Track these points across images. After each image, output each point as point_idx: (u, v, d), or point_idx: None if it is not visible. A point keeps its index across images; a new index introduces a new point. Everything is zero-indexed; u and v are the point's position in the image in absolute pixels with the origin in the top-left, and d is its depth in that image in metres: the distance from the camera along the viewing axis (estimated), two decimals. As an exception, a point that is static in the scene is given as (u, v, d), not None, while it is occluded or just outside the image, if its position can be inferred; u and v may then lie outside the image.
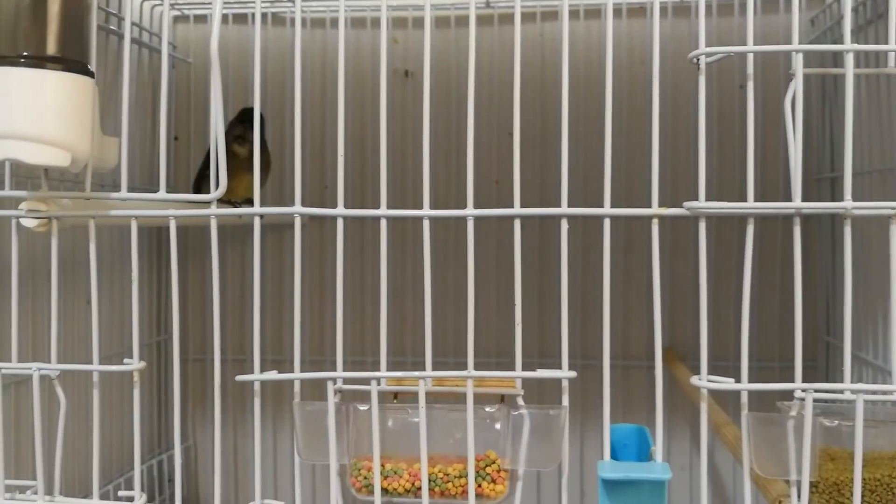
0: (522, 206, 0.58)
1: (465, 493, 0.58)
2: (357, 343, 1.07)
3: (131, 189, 0.61)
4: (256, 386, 0.60)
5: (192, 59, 1.12)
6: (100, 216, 0.60)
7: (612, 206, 0.58)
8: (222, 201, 0.60)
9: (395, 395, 0.62)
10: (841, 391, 0.54)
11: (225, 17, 1.09)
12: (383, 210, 0.58)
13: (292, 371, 0.60)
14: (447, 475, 0.58)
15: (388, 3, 1.06)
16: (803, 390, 0.54)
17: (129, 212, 0.61)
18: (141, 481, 0.62)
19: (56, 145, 0.54)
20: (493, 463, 0.58)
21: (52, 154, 0.54)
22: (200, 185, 1.01)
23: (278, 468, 1.13)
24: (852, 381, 0.55)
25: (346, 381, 0.60)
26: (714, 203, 0.55)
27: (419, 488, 0.58)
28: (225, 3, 1.07)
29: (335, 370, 0.59)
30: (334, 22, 1.09)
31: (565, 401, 0.58)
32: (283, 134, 1.07)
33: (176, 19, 1.13)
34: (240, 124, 0.95)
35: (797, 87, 0.53)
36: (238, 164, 0.80)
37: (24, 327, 0.71)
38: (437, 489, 0.58)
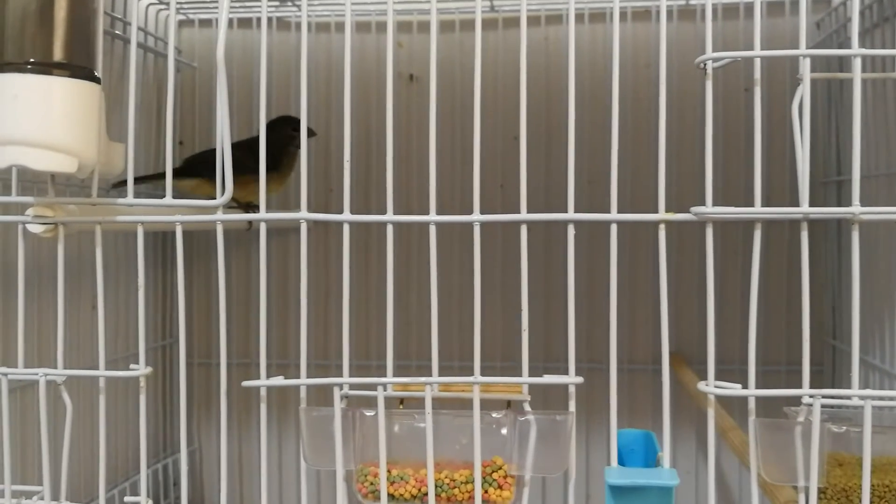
0: (528, 210, 0.58)
1: (471, 498, 0.58)
2: (362, 347, 1.07)
3: (137, 194, 0.61)
4: (262, 391, 0.60)
5: (197, 64, 1.12)
6: (106, 222, 0.60)
7: (619, 210, 0.57)
8: (230, 206, 0.60)
9: (402, 400, 0.61)
10: (849, 397, 0.54)
11: (230, 22, 1.09)
12: (389, 216, 0.58)
13: (297, 374, 0.60)
14: (454, 481, 0.58)
15: (394, 7, 1.06)
16: (811, 396, 0.54)
17: (136, 217, 0.61)
18: (147, 485, 0.62)
19: (62, 151, 0.54)
20: (500, 469, 0.58)
21: (59, 160, 0.54)
22: (190, 169, 0.96)
23: (283, 472, 1.12)
24: (859, 387, 0.54)
25: (353, 386, 0.60)
26: (721, 208, 0.55)
27: (426, 494, 0.58)
28: (230, 7, 1.07)
29: (340, 374, 0.59)
30: (339, 26, 1.09)
31: (572, 406, 0.58)
32: (288, 138, 1.07)
33: (181, 24, 1.13)
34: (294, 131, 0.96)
35: (805, 92, 0.53)
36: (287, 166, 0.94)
37: (30, 333, 0.71)
38: (443, 495, 0.58)
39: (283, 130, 0.96)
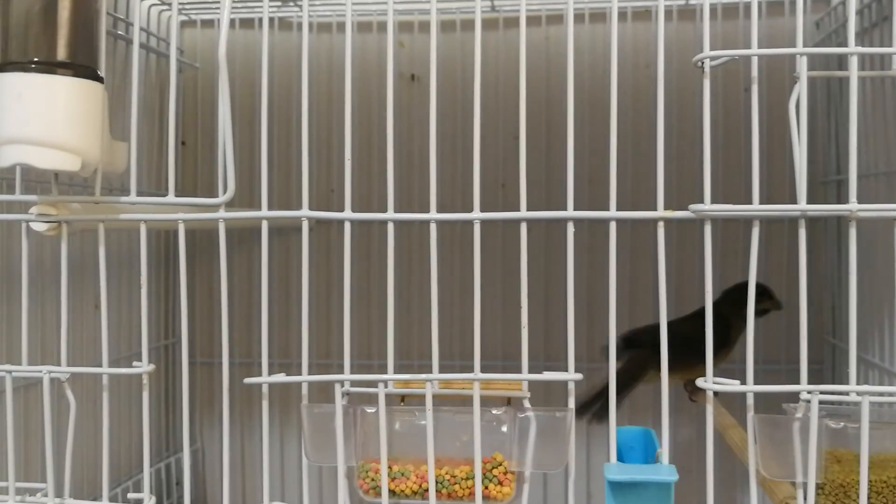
0: (528, 209, 0.58)
1: (471, 494, 0.58)
2: (364, 346, 1.07)
3: (140, 193, 0.62)
4: (264, 388, 0.60)
5: (199, 64, 1.13)
6: (109, 220, 0.61)
7: (618, 208, 0.58)
8: None
9: (403, 397, 0.62)
10: (846, 393, 0.54)
11: (232, 22, 1.09)
12: (390, 214, 0.59)
13: (300, 373, 0.60)
14: (454, 477, 0.59)
15: (395, 7, 1.06)
16: (809, 392, 0.54)
17: (139, 215, 0.61)
18: (150, 483, 0.62)
19: (66, 150, 0.55)
20: (500, 465, 0.59)
21: (63, 159, 0.55)
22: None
23: (285, 470, 1.13)
24: (857, 384, 0.55)
25: (354, 383, 0.60)
26: (719, 206, 0.55)
27: (426, 490, 0.58)
28: (232, 7, 1.07)
29: (342, 373, 0.60)
30: (341, 26, 1.09)
31: (571, 403, 0.59)
32: (290, 138, 1.08)
33: (183, 24, 1.13)
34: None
35: (801, 90, 0.53)
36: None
37: (33, 331, 0.71)
38: (444, 491, 0.59)
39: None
